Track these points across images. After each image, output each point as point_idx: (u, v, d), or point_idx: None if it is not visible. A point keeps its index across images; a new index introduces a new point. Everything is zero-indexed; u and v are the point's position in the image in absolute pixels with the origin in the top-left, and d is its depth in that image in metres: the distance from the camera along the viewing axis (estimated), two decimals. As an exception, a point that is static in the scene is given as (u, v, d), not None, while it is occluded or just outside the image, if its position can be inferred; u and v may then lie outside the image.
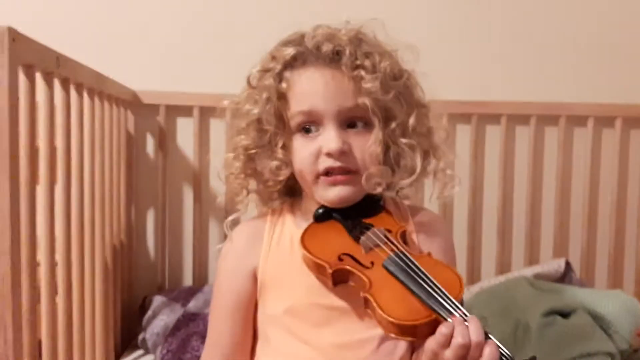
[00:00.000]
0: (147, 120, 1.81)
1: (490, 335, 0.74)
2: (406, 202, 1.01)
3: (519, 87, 1.93)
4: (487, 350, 0.72)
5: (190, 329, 1.58)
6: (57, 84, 1.12)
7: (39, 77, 1.03)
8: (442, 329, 0.74)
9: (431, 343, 0.75)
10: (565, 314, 1.49)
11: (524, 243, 1.93)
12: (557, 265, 1.81)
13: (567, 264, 1.81)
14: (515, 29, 1.93)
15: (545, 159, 1.95)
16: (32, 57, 0.96)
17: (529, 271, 1.78)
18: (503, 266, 1.92)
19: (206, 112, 1.80)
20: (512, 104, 1.90)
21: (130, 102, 1.73)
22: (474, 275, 1.91)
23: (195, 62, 1.82)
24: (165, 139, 1.81)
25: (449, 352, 0.73)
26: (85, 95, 1.27)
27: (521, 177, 1.93)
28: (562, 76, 1.94)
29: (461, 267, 1.88)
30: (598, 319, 1.49)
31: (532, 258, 1.93)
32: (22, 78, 0.95)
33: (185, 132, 1.83)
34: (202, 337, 1.51)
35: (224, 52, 1.80)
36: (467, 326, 0.73)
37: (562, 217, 1.94)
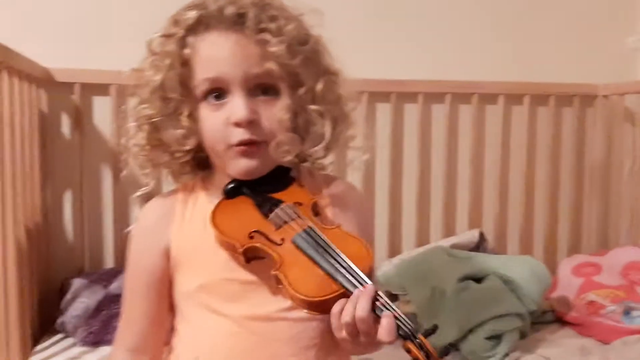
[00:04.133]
0: (61, 99, 1.76)
1: (391, 307, 0.74)
2: (322, 172, 1.00)
3: (434, 66, 2.00)
4: (384, 321, 0.73)
5: (112, 310, 1.55)
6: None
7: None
8: (334, 309, 0.76)
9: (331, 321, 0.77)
10: (478, 279, 1.57)
11: (441, 216, 2.01)
12: (471, 235, 1.90)
13: (481, 234, 1.91)
14: (431, 10, 1.99)
15: (459, 135, 2.03)
16: None
17: (446, 242, 1.86)
18: (422, 238, 2.00)
19: (124, 91, 1.75)
20: (428, 82, 1.96)
21: (43, 80, 1.67)
22: (394, 248, 1.97)
23: (111, 39, 1.77)
24: (81, 119, 1.76)
25: (343, 332, 0.75)
26: (-8, 69, 1.23)
27: (438, 153, 2.01)
28: (475, 56, 2.03)
29: (382, 241, 1.94)
30: (508, 283, 1.58)
31: (449, 230, 2.01)
32: None
33: (102, 111, 1.78)
34: (125, 317, 1.50)
35: (142, 27, 1.75)
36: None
37: (476, 190, 2.03)
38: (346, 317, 0.74)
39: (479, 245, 1.89)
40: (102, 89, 1.77)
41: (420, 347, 0.73)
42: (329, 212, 0.93)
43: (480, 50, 2.03)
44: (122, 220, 1.80)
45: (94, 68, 1.74)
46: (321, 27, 0.91)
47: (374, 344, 0.79)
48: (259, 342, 0.87)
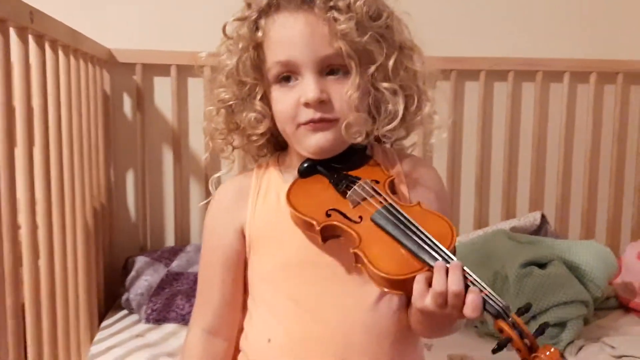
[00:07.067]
0: (123, 80, 1.78)
1: (479, 284, 0.72)
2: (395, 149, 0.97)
3: (496, 42, 1.93)
4: (470, 298, 0.71)
5: (175, 288, 1.59)
6: (31, 40, 1.08)
7: (12, 33, 0.99)
8: (419, 277, 0.73)
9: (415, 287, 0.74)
10: (542, 265, 1.53)
11: (501, 197, 1.96)
12: (532, 218, 1.85)
13: (543, 216, 1.86)
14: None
15: (522, 114, 1.97)
16: (5, 11, 0.93)
17: (506, 224, 1.82)
18: (481, 220, 1.96)
19: (184, 71, 1.77)
20: (490, 59, 1.90)
21: (106, 60, 1.69)
22: (452, 230, 1.94)
23: (172, 19, 1.78)
24: (142, 99, 1.78)
25: (428, 299, 0.73)
26: (60, 52, 1.24)
27: (499, 132, 1.95)
28: (539, 32, 1.95)
29: (440, 222, 1.91)
30: (573, 269, 1.53)
31: (509, 212, 1.97)
32: (-5, 33, 0.92)
33: (162, 91, 1.80)
34: (187, 295, 1.53)
35: (202, 8, 1.76)
36: (446, 274, 0.72)
37: (538, 171, 1.97)
38: (438, 287, 0.71)
39: (540, 228, 1.84)
40: (162, 69, 1.78)
41: (514, 326, 0.71)
42: (405, 191, 0.91)
43: (544, 25, 1.95)
44: (182, 199, 1.83)
45: (155, 49, 1.76)
46: (396, 3, 0.89)
47: (451, 322, 0.79)
48: (333, 330, 0.86)
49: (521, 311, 0.73)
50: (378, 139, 0.94)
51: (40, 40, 1.11)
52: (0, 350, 0.91)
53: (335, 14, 0.83)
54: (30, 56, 1.07)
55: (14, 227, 0.98)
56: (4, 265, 0.93)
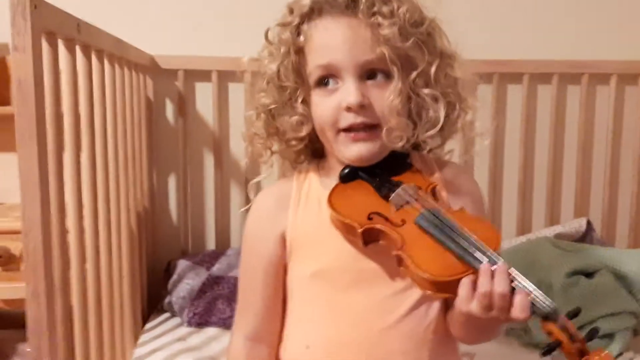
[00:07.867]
0: (166, 86, 1.80)
1: (527, 285, 0.71)
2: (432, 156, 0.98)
3: (540, 45, 1.89)
4: (517, 299, 0.70)
5: (216, 292, 1.60)
6: (78, 50, 1.11)
7: (60, 44, 1.02)
8: (465, 280, 0.73)
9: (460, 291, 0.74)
10: (588, 274, 1.49)
11: (545, 203, 1.92)
12: (578, 224, 1.80)
13: (589, 223, 1.81)
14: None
15: (567, 118, 1.92)
16: (54, 24, 0.96)
17: (550, 231, 1.78)
18: (524, 226, 1.92)
19: (225, 77, 1.79)
20: (533, 62, 1.87)
21: (149, 67, 1.72)
22: (495, 236, 1.91)
23: (213, 26, 1.80)
24: (184, 104, 1.81)
25: (474, 303, 0.72)
26: (105, 61, 1.27)
27: (543, 136, 1.91)
28: (585, 34, 1.90)
29: (482, 228, 1.88)
30: (621, 279, 1.49)
31: (553, 218, 1.92)
32: (44, 45, 0.94)
33: (204, 96, 1.82)
34: (228, 299, 1.54)
35: (242, 15, 1.77)
36: (492, 276, 0.72)
37: (583, 176, 1.92)
38: (482, 288, 0.71)
39: (586, 235, 1.79)
40: (203, 75, 1.80)
41: (563, 329, 0.69)
42: (446, 198, 0.90)
43: (590, 26, 1.90)
44: (223, 203, 1.85)
45: (196, 55, 1.78)
46: (438, 8, 0.88)
47: (497, 326, 0.79)
48: (372, 336, 0.85)
49: (571, 314, 0.71)
50: (415, 147, 0.94)
51: (86, 50, 1.14)
52: (51, 352, 0.93)
53: (379, 19, 0.83)
54: (77, 65, 1.09)
55: (63, 232, 1.00)
56: (54, 270, 0.95)
